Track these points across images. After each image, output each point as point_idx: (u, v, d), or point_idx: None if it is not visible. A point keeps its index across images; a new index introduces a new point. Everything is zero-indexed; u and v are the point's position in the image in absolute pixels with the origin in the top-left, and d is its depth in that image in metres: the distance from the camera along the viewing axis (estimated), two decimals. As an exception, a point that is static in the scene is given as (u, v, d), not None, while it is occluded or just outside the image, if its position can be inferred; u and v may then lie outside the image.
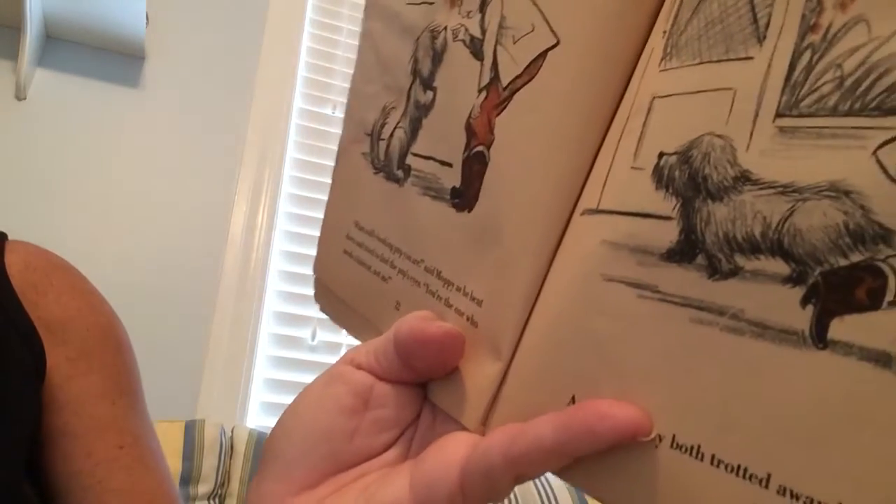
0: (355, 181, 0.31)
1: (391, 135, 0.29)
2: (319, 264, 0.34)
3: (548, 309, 0.21)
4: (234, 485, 1.47)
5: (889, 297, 0.14)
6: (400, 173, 0.28)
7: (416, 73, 0.28)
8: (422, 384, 0.25)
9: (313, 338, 1.70)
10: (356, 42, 0.33)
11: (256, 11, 1.77)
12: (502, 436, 0.20)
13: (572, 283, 0.20)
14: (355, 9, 1.89)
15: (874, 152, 0.14)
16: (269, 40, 1.78)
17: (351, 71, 0.33)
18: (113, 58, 1.64)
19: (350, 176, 0.32)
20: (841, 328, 0.14)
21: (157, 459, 0.51)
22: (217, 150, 1.70)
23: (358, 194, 0.31)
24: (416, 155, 0.27)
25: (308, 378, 1.64)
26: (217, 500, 1.46)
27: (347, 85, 0.33)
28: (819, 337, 0.15)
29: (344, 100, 0.32)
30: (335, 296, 0.32)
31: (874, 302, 0.14)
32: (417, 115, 0.28)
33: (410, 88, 0.28)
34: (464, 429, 0.23)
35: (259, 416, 1.67)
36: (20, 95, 1.55)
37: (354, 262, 0.30)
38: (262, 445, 1.48)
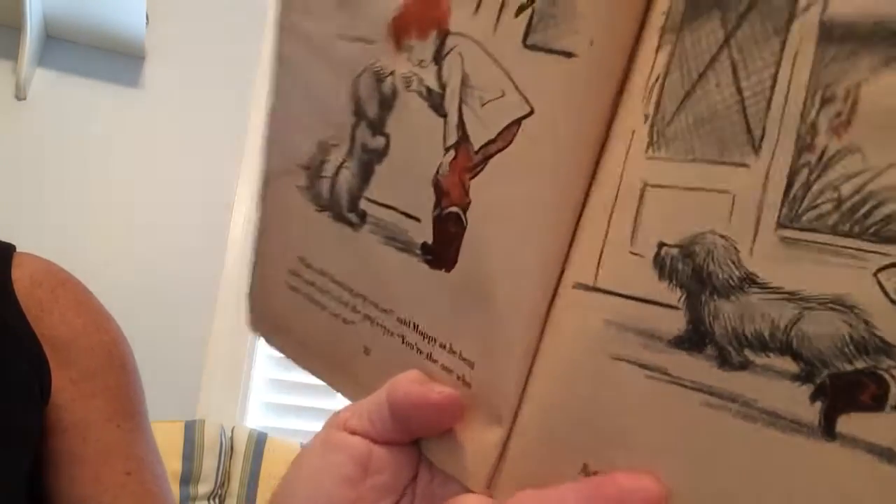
0: (293, 214, 0.30)
1: (336, 174, 0.29)
2: (257, 294, 0.33)
3: (550, 378, 0.21)
4: (234, 485, 1.48)
5: (892, 402, 0.15)
6: (353, 217, 0.28)
7: (359, 114, 0.28)
8: (415, 441, 0.25)
9: (313, 337, 1.70)
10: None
11: (256, 11, 1.76)
12: None
13: (577, 357, 0.21)
14: (356, 8, 1.88)
15: (875, 274, 0.15)
16: (270, 40, 1.77)
17: None
18: (113, 57, 1.64)
19: (286, 208, 0.31)
20: (848, 424, 0.16)
21: (160, 485, 0.51)
22: (217, 149, 1.70)
23: (299, 229, 0.30)
24: (371, 201, 0.27)
25: (308, 378, 1.64)
26: (217, 500, 1.47)
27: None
28: (828, 431, 0.16)
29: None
30: (280, 328, 0.32)
31: (878, 405, 0.15)
32: (368, 159, 0.27)
33: (355, 129, 0.28)
34: (465, 489, 0.23)
35: (259, 416, 1.67)
36: (20, 95, 1.54)
37: (304, 300, 0.30)
38: (262, 445, 1.49)
